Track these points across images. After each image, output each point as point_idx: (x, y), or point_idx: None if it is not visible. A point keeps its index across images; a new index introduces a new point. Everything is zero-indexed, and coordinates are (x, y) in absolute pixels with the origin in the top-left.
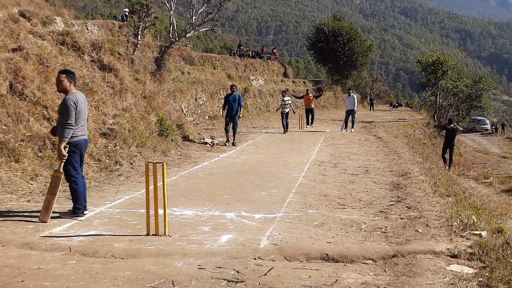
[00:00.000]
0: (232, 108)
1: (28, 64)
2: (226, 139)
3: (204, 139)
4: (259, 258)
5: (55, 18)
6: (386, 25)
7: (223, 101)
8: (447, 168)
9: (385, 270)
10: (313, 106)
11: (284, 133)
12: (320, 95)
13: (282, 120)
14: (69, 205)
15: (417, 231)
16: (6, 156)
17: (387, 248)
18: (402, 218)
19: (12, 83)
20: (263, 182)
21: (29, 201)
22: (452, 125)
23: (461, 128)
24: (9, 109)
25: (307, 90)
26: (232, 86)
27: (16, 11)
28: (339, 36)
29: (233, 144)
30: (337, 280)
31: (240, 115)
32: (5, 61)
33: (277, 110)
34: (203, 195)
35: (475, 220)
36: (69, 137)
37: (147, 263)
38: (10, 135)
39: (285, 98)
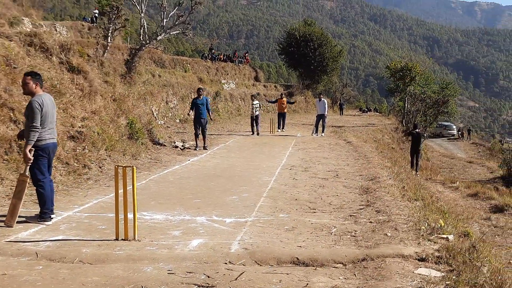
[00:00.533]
0: (200, 112)
1: None
2: (195, 144)
3: (174, 142)
4: (229, 262)
5: (23, 19)
6: (356, 31)
7: (190, 105)
8: (414, 172)
9: (354, 274)
10: (285, 110)
11: (252, 134)
12: (293, 103)
13: (251, 122)
14: (35, 209)
15: (386, 234)
16: None
17: (357, 252)
18: (371, 222)
19: None
20: (234, 186)
21: None
22: (417, 130)
23: (425, 134)
24: None
25: (281, 94)
26: (199, 90)
27: None
28: (310, 41)
29: (204, 148)
30: (307, 284)
31: (211, 118)
32: None
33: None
34: (173, 199)
35: (442, 224)
36: (35, 140)
37: (116, 269)
38: None
39: (254, 102)
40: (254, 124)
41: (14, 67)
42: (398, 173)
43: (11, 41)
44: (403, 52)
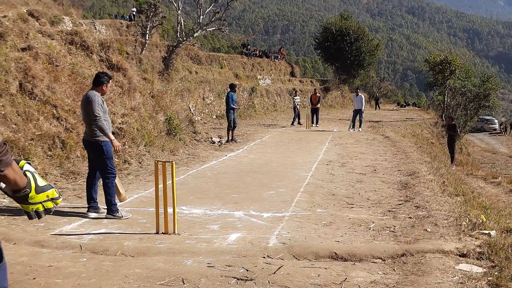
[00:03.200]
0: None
1: (38, 63)
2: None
3: (211, 138)
4: (268, 256)
5: (64, 18)
6: (394, 24)
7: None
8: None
9: (394, 269)
10: (318, 106)
11: (291, 125)
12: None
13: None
14: (79, 204)
15: (426, 230)
16: (16, 154)
17: (396, 247)
18: (410, 218)
19: (22, 82)
20: (271, 181)
21: None
22: (453, 123)
23: (460, 127)
24: (19, 108)
25: (315, 89)
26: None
27: (25, 11)
28: (346, 36)
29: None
30: (346, 278)
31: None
32: (14, 60)
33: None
34: (211, 194)
35: (484, 220)
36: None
37: (157, 261)
38: (20, 134)
39: (296, 97)
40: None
41: (56, 65)
42: (438, 168)
43: (53, 39)
44: (442, 45)
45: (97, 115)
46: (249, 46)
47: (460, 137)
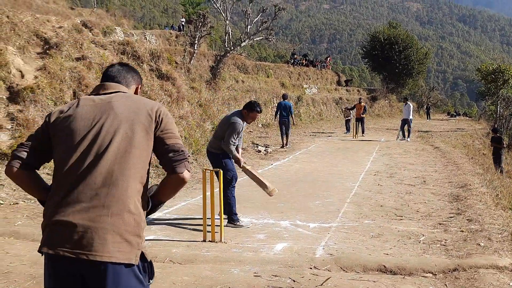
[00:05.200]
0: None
1: (91, 72)
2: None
3: (257, 147)
4: (315, 267)
5: (115, 28)
6: (444, 32)
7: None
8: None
9: (445, 284)
10: (363, 115)
11: (345, 133)
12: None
13: (346, 123)
14: None
15: (479, 244)
16: None
17: (447, 262)
18: (462, 231)
19: (76, 91)
20: (317, 191)
21: None
22: (498, 134)
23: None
24: None
25: (360, 98)
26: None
27: (79, 22)
28: (395, 44)
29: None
30: None
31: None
32: (69, 69)
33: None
34: (257, 203)
35: None
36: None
37: (204, 269)
38: None
39: (350, 110)
40: (348, 125)
41: None
42: (491, 180)
43: (105, 49)
44: (495, 54)
45: (230, 142)
46: (295, 55)
47: (507, 150)
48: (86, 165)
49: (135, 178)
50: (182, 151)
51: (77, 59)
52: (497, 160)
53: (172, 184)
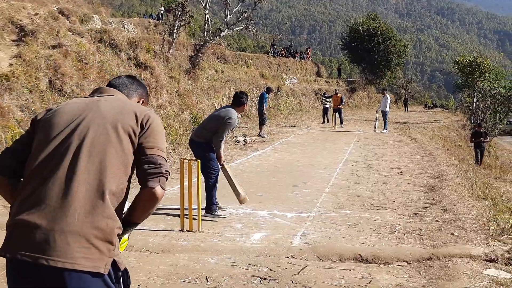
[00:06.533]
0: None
1: (67, 61)
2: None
3: (236, 137)
4: (291, 256)
5: (93, 16)
6: (422, 25)
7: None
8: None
9: (419, 273)
10: (340, 106)
11: (322, 123)
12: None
13: (323, 113)
14: None
15: (453, 234)
16: None
17: (422, 251)
18: (437, 221)
19: (52, 79)
20: (295, 181)
21: None
22: (482, 130)
23: (489, 134)
24: (48, 104)
25: (336, 90)
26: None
27: (56, 9)
28: (374, 36)
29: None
30: (370, 281)
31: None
32: (45, 57)
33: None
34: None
35: None
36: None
37: (181, 258)
38: None
39: (326, 97)
40: (325, 115)
41: (85, 63)
42: (466, 171)
43: (82, 37)
44: (472, 46)
45: (223, 137)
46: (275, 46)
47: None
48: (57, 160)
49: (110, 179)
50: (160, 164)
51: (53, 47)
52: (481, 156)
53: (142, 200)
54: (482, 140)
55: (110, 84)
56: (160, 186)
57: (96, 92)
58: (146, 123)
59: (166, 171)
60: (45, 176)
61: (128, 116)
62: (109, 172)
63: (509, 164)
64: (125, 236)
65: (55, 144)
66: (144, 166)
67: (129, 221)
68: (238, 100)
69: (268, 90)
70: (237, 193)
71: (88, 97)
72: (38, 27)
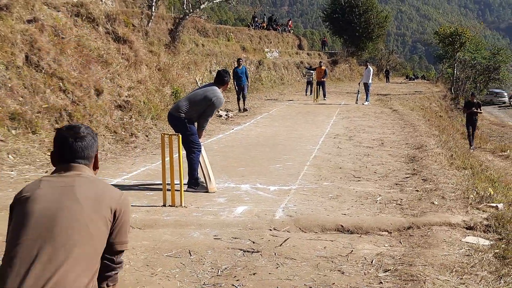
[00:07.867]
0: (240, 81)
1: (44, 35)
2: (238, 108)
3: (218, 111)
4: (274, 229)
5: None
6: None
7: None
8: (469, 146)
9: (400, 242)
10: (324, 79)
11: (306, 95)
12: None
13: (306, 86)
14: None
15: (433, 203)
16: (23, 127)
17: (402, 220)
18: (417, 191)
19: (28, 55)
20: (278, 154)
21: (47, 172)
22: (475, 101)
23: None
24: (25, 80)
25: (320, 62)
26: (238, 60)
27: None
28: (355, 7)
29: (244, 110)
30: (352, 251)
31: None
32: (20, 32)
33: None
34: (218, 167)
35: (492, 193)
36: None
37: (164, 233)
38: (27, 107)
39: (310, 70)
40: (308, 88)
41: (62, 38)
42: (446, 141)
43: (58, 11)
44: (452, 17)
45: (209, 118)
46: (256, 19)
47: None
48: (35, 253)
49: (85, 272)
50: (120, 264)
51: (29, 21)
52: (473, 130)
53: None
54: (475, 110)
55: (69, 151)
56: (113, 286)
57: (61, 170)
58: (120, 213)
59: (119, 268)
60: (22, 268)
61: (104, 207)
62: (85, 266)
63: (488, 134)
64: None
65: (32, 236)
66: (110, 262)
67: None
68: (222, 79)
69: (238, 61)
70: (207, 179)
71: (58, 179)
72: (12, 1)
